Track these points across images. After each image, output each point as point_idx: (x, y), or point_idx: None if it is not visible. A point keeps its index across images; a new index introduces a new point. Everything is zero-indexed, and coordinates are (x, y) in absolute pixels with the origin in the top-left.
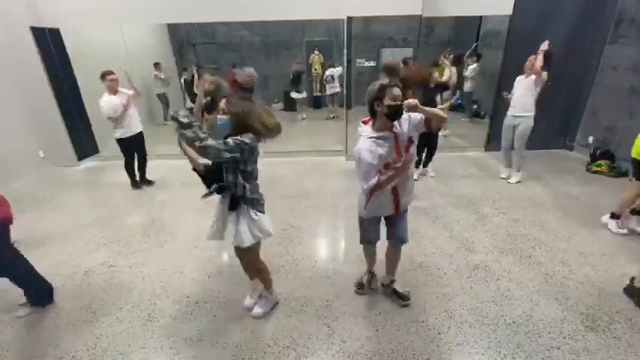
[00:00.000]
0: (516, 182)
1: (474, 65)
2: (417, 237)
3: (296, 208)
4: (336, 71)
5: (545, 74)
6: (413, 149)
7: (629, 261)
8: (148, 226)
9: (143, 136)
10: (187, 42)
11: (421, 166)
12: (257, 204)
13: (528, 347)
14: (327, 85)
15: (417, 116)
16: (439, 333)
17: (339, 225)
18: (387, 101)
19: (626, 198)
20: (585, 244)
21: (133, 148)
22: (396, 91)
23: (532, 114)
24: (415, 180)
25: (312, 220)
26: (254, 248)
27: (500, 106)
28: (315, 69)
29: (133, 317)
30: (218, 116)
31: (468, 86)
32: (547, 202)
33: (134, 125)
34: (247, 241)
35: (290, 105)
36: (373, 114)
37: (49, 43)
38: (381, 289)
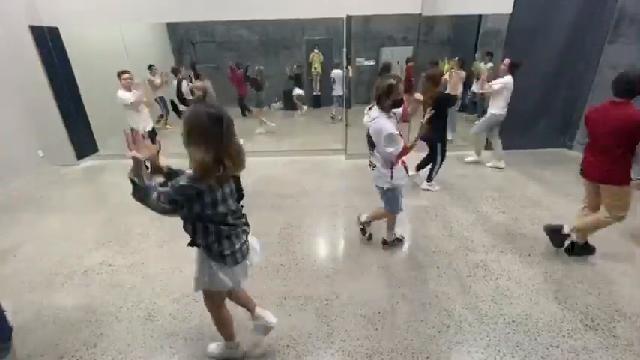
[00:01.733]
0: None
1: (490, 64)
2: (416, 236)
3: (296, 207)
4: (337, 73)
5: (492, 86)
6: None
7: (628, 260)
8: (147, 226)
9: (155, 132)
10: (187, 41)
11: (421, 174)
12: (216, 255)
13: (527, 346)
14: (333, 87)
15: (399, 111)
16: (439, 332)
17: (339, 224)
18: (392, 97)
19: None
20: None
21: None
22: (400, 88)
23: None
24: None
25: (311, 219)
26: (210, 294)
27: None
28: (315, 68)
29: (132, 316)
30: None
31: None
32: (546, 201)
33: (144, 122)
34: (194, 286)
35: (290, 103)
36: (380, 102)
37: (48, 42)
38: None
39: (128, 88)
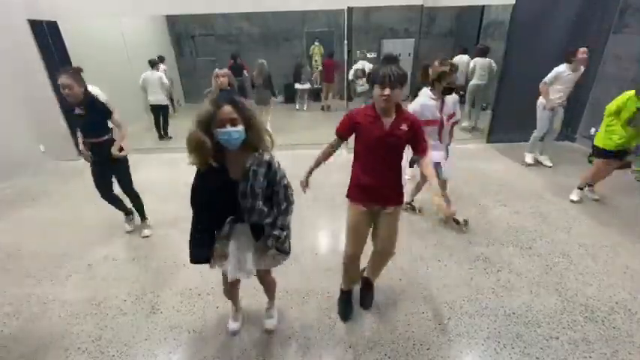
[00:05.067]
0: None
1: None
2: (417, 229)
3: (297, 201)
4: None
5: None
6: None
7: (629, 253)
8: (149, 219)
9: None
10: (186, 34)
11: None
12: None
13: (527, 337)
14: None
15: None
16: (439, 324)
17: (340, 217)
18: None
19: (588, 175)
20: (586, 236)
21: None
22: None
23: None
24: None
25: (312, 212)
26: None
27: (503, 97)
28: (316, 60)
29: (136, 309)
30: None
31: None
32: (548, 194)
33: None
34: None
35: (290, 97)
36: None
37: (47, 37)
38: None
39: None
